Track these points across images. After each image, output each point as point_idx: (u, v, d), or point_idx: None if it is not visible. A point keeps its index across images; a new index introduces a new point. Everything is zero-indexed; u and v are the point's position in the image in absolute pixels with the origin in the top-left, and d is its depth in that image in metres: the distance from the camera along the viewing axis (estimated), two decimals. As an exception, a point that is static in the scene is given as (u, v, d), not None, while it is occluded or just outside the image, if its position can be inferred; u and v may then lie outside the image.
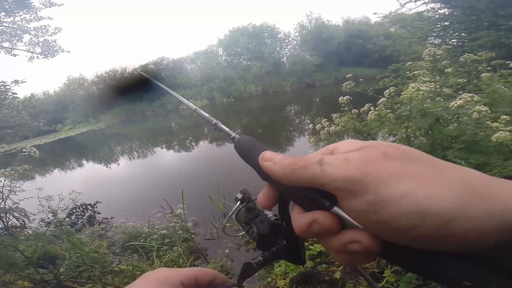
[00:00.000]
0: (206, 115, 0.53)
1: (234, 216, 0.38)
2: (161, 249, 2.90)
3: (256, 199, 0.34)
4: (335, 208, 0.24)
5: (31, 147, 2.54)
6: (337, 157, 0.24)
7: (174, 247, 2.91)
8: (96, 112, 24.50)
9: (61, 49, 12.92)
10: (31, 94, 23.48)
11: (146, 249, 2.97)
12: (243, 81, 25.08)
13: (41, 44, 12.50)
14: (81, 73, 28.69)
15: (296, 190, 0.27)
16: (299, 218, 0.26)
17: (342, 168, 0.22)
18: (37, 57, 12.63)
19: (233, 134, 0.39)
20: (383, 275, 1.76)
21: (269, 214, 0.38)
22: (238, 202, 0.36)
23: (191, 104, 0.63)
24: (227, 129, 0.43)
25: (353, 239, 0.23)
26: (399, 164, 0.22)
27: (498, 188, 0.21)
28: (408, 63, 2.40)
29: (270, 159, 0.29)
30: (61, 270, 2.27)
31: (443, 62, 2.15)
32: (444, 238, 0.20)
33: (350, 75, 2.36)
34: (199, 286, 0.36)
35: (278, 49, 28.32)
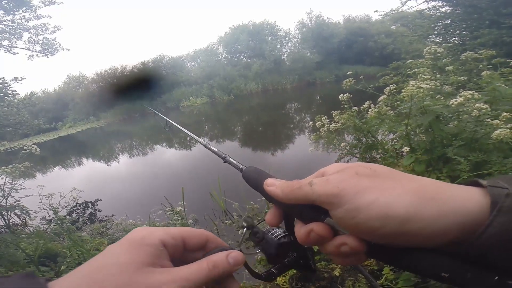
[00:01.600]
0: (216, 150, 0.59)
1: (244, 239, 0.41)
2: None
3: (258, 221, 0.41)
4: (328, 219, 0.30)
5: (32, 144, 2.55)
6: (322, 179, 0.30)
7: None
8: (97, 110, 24.48)
9: (60, 47, 12.90)
10: (31, 92, 23.44)
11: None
12: (243, 79, 25.03)
13: (40, 42, 12.49)
14: (80, 71, 28.59)
15: (295, 208, 0.32)
16: (300, 230, 0.31)
17: (325, 187, 0.29)
18: (37, 55, 12.61)
19: (241, 166, 0.44)
20: (382, 272, 1.77)
21: (277, 232, 0.41)
22: (244, 229, 0.39)
23: (201, 140, 0.67)
24: (235, 161, 0.48)
25: (343, 242, 0.29)
26: (367, 180, 0.28)
27: (449, 191, 0.26)
28: (409, 61, 2.39)
29: (272, 184, 0.34)
30: (62, 267, 2.28)
31: (443, 60, 2.15)
32: (405, 235, 0.25)
33: (351, 72, 2.36)
34: (187, 249, 0.31)
35: (278, 46, 28.18)
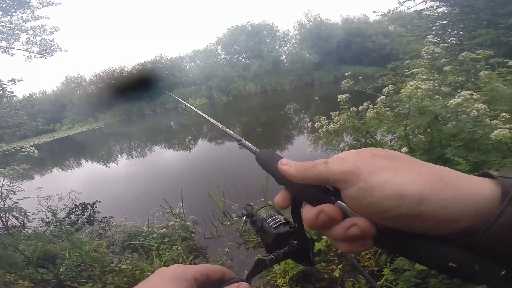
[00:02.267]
0: (231, 132, 0.60)
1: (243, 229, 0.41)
2: (161, 248, 2.90)
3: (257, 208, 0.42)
4: (339, 202, 0.29)
5: (30, 146, 2.54)
6: (338, 157, 0.30)
7: (173, 246, 2.91)
8: (95, 111, 24.40)
9: (58, 48, 12.86)
10: (29, 93, 23.30)
11: (145, 248, 2.97)
12: (242, 80, 25.02)
13: (38, 43, 12.45)
14: (79, 72, 28.42)
15: (307, 190, 0.32)
16: (309, 211, 0.31)
17: (341, 165, 0.29)
18: (35, 56, 12.57)
19: (255, 148, 0.45)
20: (382, 273, 1.77)
21: (278, 218, 0.41)
22: (244, 217, 0.40)
23: (218, 124, 0.68)
24: (249, 144, 0.49)
25: (353, 223, 0.28)
26: (383, 161, 0.28)
27: (463, 178, 0.26)
28: (407, 61, 2.40)
29: (287, 163, 0.35)
30: (61, 269, 2.27)
31: (441, 61, 2.16)
32: (418, 218, 0.25)
33: (349, 73, 2.36)
34: (209, 281, 0.37)
35: (277, 47, 28.20)
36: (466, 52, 2.13)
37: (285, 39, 28.99)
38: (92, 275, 2.17)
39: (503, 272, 0.23)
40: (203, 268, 0.37)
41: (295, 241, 0.39)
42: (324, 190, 0.31)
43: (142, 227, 3.34)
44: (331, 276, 1.72)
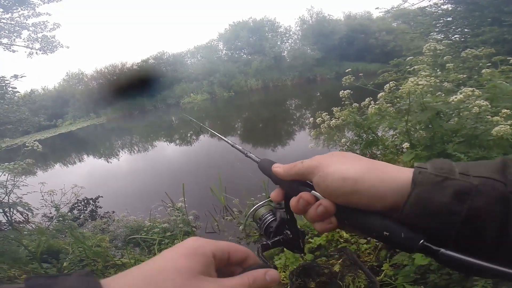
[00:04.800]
0: (240, 148, 0.68)
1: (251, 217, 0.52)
2: (163, 242, 2.93)
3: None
4: (313, 191, 0.39)
5: (34, 141, 2.55)
6: (310, 159, 0.40)
7: (175, 241, 2.94)
8: (97, 107, 24.43)
9: (60, 44, 12.86)
10: (31, 89, 23.34)
11: (148, 243, 3.00)
12: (243, 75, 24.94)
13: (40, 40, 12.44)
14: (80, 68, 28.54)
15: (292, 185, 0.42)
16: (293, 199, 0.40)
17: (310, 162, 0.39)
18: (36, 52, 12.58)
19: (258, 159, 0.53)
20: (382, 268, 1.79)
21: (269, 218, 0.50)
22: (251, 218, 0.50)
23: (228, 141, 0.80)
24: (253, 156, 0.56)
25: (319, 203, 0.37)
26: (337, 158, 0.38)
27: (391, 167, 0.35)
28: (409, 58, 2.38)
29: (278, 166, 0.44)
30: (64, 264, 2.30)
31: (444, 58, 2.14)
32: (356, 194, 0.33)
33: (350, 69, 2.35)
34: (230, 262, 0.35)
35: (279, 43, 28.03)
36: (469, 49, 2.12)
37: (287, 35, 28.81)
38: (95, 269, 2.20)
39: (421, 241, 0.29)
40: (225, 246, 0.34)
41: (288, 231, 0.47)
42: (303, 184, 0.41)
43: (144, 222, 3.37)
44: (331, 271, 1.74)
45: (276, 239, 0.46)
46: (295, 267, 1.99)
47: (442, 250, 0.28)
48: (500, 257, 0.28)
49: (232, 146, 0.73)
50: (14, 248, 2.18)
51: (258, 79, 24.87)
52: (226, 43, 28.36)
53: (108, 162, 10.21)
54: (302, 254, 0.41)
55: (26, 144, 2.51)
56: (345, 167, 0.35)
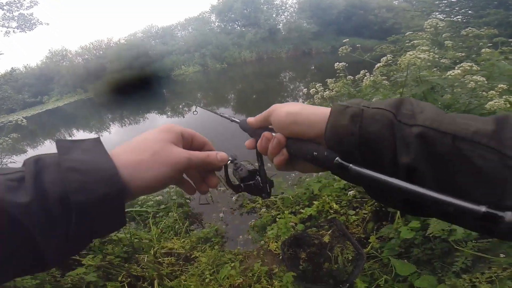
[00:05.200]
0: (226, 115, 0.69)
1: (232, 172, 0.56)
2: (157, 215, 2.97)
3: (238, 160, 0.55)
4: (273, 133, 0.46)
5: (19, 117, 2.46)
6: (271, 107, 0.47)
7: (169, 213, 2.98)
8: (84, 82, 23.56)
9: (39, 21, 12.26)
10: (11, 68, 22.35)
11: (142, 216, 3.03)
12: (237, 47, 24.12)
13: (16, 18, 11.79)
14: (63, 45, 27.36)
15: (259, 132, 0.49)
16: (259, 141, 0.48)
17: (270, 109, 0.46)
18: (14, 31, 11.98)
19: (238, 120, 0.59)
20: (369, 240, 1.86)
21: (246, 166, 0.56)
22: (229, 162, 0.52)
23: (217, 111, 0.78)
24: (236, 119, 0.61)
25: (274, 137, 0.45)
26: (287, 104, 0.45)
27: (321, 107, 0.42)
28: (408, 33, 2.31)
29: (251, 118, 0.52)
30: None
31: (443, 35, 2.09)
32: (296, 123, 0.41)
33: (347, 40, 2.28)
34: (192, 146, 0.47)
35: (274, 15, 26.85)
36: (470, 27, 2.06)
37: (283, 8, 27.66)
38: (92, 246, 2.22)
39: (336, 158, 0.36)
40: (191, 131, 0.47)
41: (259, 178, 0.54)
42: (267, 129, 0.48)
43: (138, 196, 3.38)
44: (321, 241, 1.81)
45: (248, 183, 0.53)
46: (286, 237, 2.07)
47: (351, 165, 0.35)
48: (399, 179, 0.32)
49: (221, 116, 0.74)
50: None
51: (252, 51, 24.14)
52: (219, 15, 27.09)
53: (99, 135, 10.02)
54: (268, 198, 0.48)
55: (10, 119, 2.42)
56: (290, 107, 0.44)
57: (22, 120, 2.45)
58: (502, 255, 1.20)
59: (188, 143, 0.46)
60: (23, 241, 0.29)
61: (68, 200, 0.30)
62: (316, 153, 0.39)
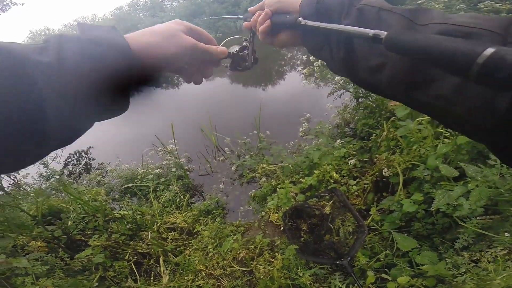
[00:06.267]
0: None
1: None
2: (158, 189, 2.96)
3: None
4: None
5: None
6: None
7: (170, 186, 2.96)
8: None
9: (13, 2, 11.25)
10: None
11: (143, 191, 3.03)
12: (232, 16, 22.55)
13: (-15, 0, 10.73)
14: (46, 25, 25.51)
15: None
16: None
17: None
18: (-16, 14, 11.00)
19: (241, 16, 0.72)
20: (370, 212, 1.85)
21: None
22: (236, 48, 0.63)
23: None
24: (240, 16, 0.74)
25: (264, 11, 0.55)
26: None
27: None
28: (421, 1, 2.10)
29: (251, 7, 0.63)
30: (69, 223, 2.27)
31: (457, 7, 1.90)
32: (280, 2, 0.54)
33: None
34: (200, 41, 0.52)
35: (270, -19, 24.50)
36: (488, 1, 1.85)
37: (281, -25, 24.98)
38: (96, 225, 2.23)
39: (299, 18, 0.48)
40: (199, 28, 0.54)
41: (247, 51, 0.62)
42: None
43: (137, 169, 3.35)
44: (322, 212, 1.79)
45: (234, 52, 0.60)
46: (287, 208, 2.06)
47: (307, 21, 0.46)
48: None
49: (228, 17, 0.99)
50: (16, 213, 2.07)
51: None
52: (211, -17, 24.65)
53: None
54: (249, 69, 0.67)
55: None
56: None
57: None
58: (506, 234, 1.14)
59: (196, 37, 0.51)
60: (35, 102, 0.30)
61: (84, 67, 0.34)
62: (288, 17, 0.50)
